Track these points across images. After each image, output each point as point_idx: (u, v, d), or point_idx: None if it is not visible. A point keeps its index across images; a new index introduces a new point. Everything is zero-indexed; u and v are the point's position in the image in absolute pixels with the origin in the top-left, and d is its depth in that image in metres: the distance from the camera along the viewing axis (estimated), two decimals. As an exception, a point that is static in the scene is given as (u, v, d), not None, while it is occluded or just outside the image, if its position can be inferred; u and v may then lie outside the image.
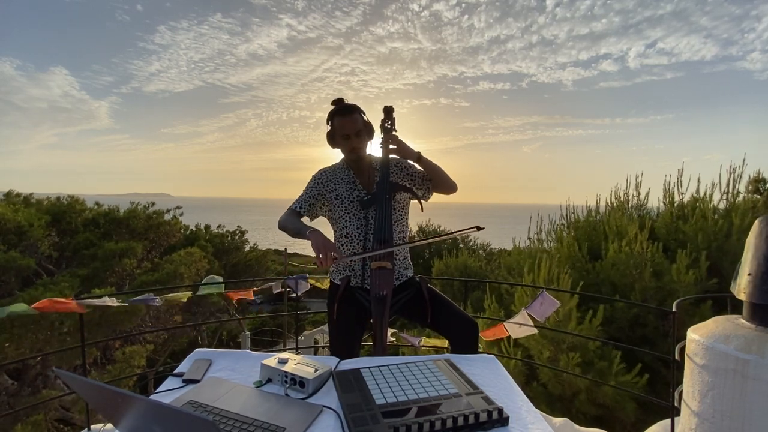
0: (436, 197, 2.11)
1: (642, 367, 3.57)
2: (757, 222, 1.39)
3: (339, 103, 1.98)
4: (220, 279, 2.90)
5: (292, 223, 1.91)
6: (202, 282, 2.87)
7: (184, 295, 2.83)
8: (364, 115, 1.98)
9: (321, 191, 2.01)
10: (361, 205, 1.94)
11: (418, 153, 1.95)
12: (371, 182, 2.01)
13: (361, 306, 1.91)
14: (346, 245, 1.98)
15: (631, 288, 4.01)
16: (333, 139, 1.99)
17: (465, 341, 1.85)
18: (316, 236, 1.73)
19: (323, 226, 2.05)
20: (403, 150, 1.96)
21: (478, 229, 1.78)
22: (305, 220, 1.99)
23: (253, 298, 3.13)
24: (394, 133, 2.01)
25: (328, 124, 1.99)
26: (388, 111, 2.04)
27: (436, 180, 2.02)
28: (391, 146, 1.97)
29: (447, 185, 2.02)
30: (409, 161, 2.03)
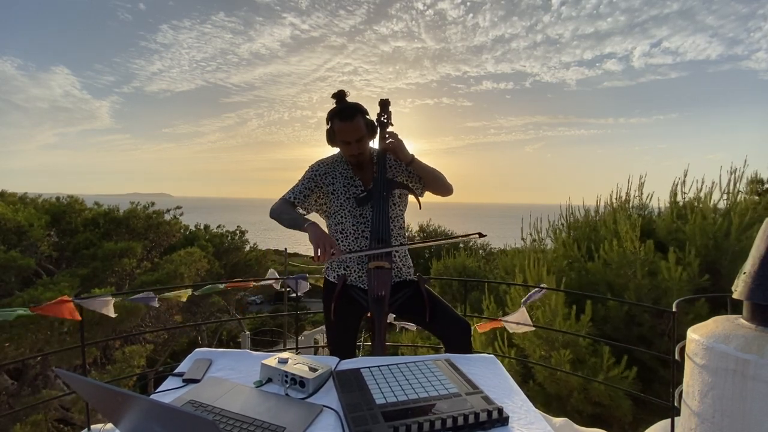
0: (437, 197, 2.07)
1: (638, 366, 3.56)
2: (766, 221, 1.38)
3: (340, 101, 1.86)
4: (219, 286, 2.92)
5: (287, 213, 1.84)
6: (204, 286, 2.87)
7: (184, 293, 2.81)
8: (367, 115, 1.88)
9: (318, 183, 1.93)
10: (357, 202, 1.88)
11: (412, 157, 1.88)
12: (371, 178, 1.93)
13: (359, 305, 1.87)
14: (341, 241, 1.91)
15: (626, 287, 4.01)
16: (332, 140, 1.90)
17: (458, 342, 1.82)
18: (314, 229, 1.67)
19: (317, 220, 2.02)
20: (400, 150, 1.87)
21: (481, 235, 1.75)
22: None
23: (252, 285, 3.15)
24: (390, 128, 1.93)
25: (327, 123, 1.88)
26: (384, 104, 1.95)
27: (428, 182, 1.96)
28: (389, 143, 1.88)
29: (442, 188, 1.97)
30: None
